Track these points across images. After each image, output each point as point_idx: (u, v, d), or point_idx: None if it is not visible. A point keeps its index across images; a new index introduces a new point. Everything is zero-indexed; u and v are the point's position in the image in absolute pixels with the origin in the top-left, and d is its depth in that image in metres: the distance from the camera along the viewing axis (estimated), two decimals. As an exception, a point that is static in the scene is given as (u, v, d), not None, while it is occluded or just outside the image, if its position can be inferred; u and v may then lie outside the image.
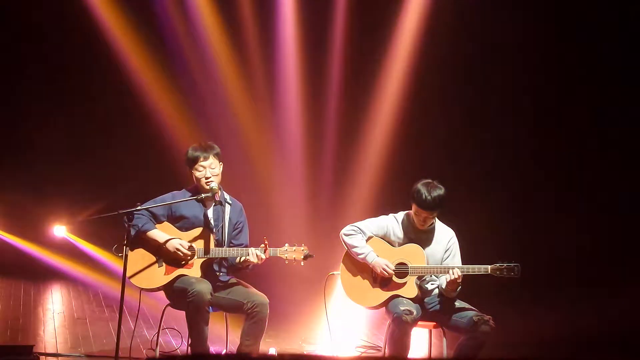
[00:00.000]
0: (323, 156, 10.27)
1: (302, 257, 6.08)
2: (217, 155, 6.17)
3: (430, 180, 6.12)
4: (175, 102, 10.06)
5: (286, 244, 6.11)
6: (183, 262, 6.08)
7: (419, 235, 6.16)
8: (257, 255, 6.03)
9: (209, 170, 6.13)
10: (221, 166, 6.19)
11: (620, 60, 9.73)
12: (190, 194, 6.17)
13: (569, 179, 10.03)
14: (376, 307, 6.16)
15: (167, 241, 6.06)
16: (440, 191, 6.05)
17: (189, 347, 6.04)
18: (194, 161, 6.13)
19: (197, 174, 6.14)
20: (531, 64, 9.99)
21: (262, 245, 6.05)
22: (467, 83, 10.07)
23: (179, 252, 6.05)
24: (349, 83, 10.21)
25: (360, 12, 10.07)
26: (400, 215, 6.24)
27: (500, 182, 10.10)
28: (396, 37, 10.10)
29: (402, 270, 6.09)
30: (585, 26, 9.72)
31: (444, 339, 6.20)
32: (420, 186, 6.07)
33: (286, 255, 6.09)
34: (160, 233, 6.10)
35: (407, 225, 6.18)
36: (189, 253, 6.06)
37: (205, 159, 6.13)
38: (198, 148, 6.16)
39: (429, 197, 6.00)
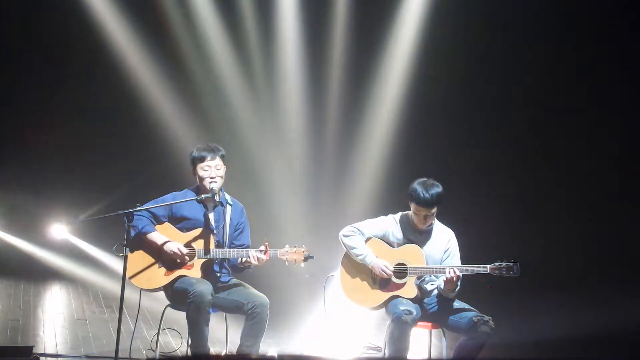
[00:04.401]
0: (323, 157, 10.27)
1: (303, 258, 6.09)
2: (222, 157, 6.20)
3: (426, 179, 6.13)
4: (176, 103, 10.07)
5: (287, 245, 6.12)
6: (180, 264, 6.08)
7: (418, 235, 6.16)
8: (257, 257, 6.03)
9: (214, 170, 6.14)
10: (225, 169, 6.20)
11: (622, 61, 9.75)
12: (192, 194, 6.17)
13: (569, 179, 10.04)
14: (376, 308, 6.16)
15: (164, 244, 6.06)
16: (437, 188, 6.07)
17: (189, 348, 6.04)
18: (200, 160, 6.14)
19: (202, 173, 6.14)
20: (533, 65, 10.00)
21: (263, 246, 6.05)
22: (469, 82, 10.08)
23: (177, 255, 6.05)
24: (349, 84, 10.22)
25: (361, 10, 10.07)
26: (399, 216, 6.24)
27: (501, 182, 10.11)
28: (396, 38, 10.11)
29: (401, 270, 6.09)
30: (592, 24, 9.72)
31: (444, 340, 6.20)
32: (416, 185, 6.09)
33: (287, 256, 6.09)
34: (159, 236, 6.10)
35: (406, 225, 6.18)
36: (187, 258, 6.06)
37: (212, 159, 6.15)
38: (205, 148, 6.19)
39: (426, 194, 6.01)
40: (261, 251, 6.04)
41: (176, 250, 6.05)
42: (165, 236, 6.10)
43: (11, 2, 9.69)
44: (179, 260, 6.08)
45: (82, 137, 10.01)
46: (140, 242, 6.10)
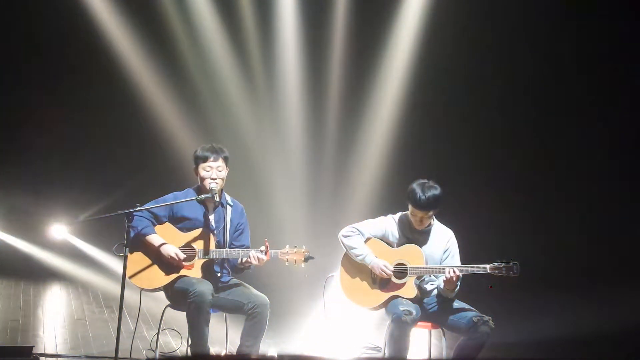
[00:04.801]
0: (323, 158, 10.27)
1: (303, 259, 6.09)
2: (225, 159, 6.20)
3: (425, 180, 6.09)
4: (176, 103, 10.07)
5: (287, 246, 6.12)
6: (179, 267, 6.08)
7: (417, 235, 6.15)
8: (258, 257, 6.03)
9: (216, 171, 6.14)
10: (227, 171, 6.20)
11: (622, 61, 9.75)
12: (194, 193, 6.17)
13: (569, 179, 10.04)
14: (376, 308, 6.15)
15: (162, 247, 6.06)
16: (435, 191, 6.03)
17: (189, 348, 6.04)
18: (203, 160, 6.15)
19: (204, 173, 6.15)
20: (533, 65, 10.00)
21: (264, 246, 6.05)
22: (467, 83, 10.08)
23: (174, 260, 6.04)
24: (349, 85, 10.22)
25: (361, 11, 10.07)
26: (399, 216, 6.23)
27: (501, 182, 10.11)
28: (396, 38, 10.11)
29: (401, 270, 6.08)
30: (592, 23, 9.72)
31: (444, 340, 6.19)
32: (415, 186, 6.06)
33: (287, 257, 6.09)
34: (157, 238, 6.09)
35: (406, 225, 6.17)
36: (183, 264, 6.05)
37: (215, 160, 6.15)
38: (210, 148, 6.19)
39: (423, 197, 5.99)
40: (262, 251, 6.04)
41: (173, 255, 6.04)
42: (164, 238, 6.09)
43: (11, 2, 9.68)
44: (176, 267, 6.07)
45: (82, 137, 10.01)
46: (140, 243, 6.10)
